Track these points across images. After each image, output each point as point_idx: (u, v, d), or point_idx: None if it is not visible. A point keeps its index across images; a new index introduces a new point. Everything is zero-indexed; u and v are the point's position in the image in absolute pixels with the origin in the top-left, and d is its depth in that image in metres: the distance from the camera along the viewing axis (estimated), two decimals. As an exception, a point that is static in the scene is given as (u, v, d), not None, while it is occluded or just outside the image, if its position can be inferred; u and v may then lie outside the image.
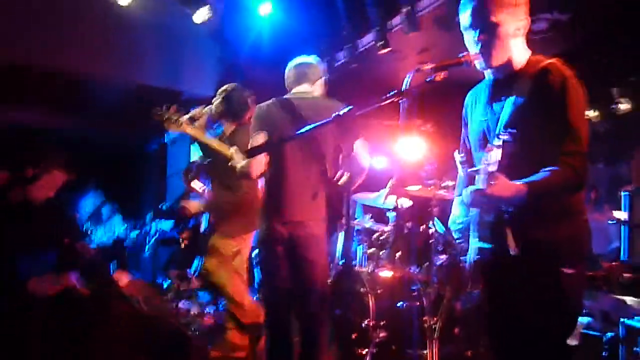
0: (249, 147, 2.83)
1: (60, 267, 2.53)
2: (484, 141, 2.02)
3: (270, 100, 2.98)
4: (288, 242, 2.84)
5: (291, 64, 3.09)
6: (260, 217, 2.96)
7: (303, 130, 2.17)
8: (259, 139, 2.83)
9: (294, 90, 3.05)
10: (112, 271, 4.19)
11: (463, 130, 2.27)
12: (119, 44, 5.68)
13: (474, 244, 2.08)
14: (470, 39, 1.97)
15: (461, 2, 1.99)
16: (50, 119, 7.46)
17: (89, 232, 7.55)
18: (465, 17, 1.97)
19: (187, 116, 3.77)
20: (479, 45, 1.93)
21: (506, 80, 1.98)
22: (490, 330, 2.18)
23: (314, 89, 3.06)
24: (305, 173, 2.85)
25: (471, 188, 1.81)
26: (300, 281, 2.88)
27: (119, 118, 7.46)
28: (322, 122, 2.08)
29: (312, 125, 2.14)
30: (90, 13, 5.37)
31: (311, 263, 2.88)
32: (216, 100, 3.96)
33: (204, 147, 3.88)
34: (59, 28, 5.34)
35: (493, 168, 1.73)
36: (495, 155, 1.74)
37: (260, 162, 2.83)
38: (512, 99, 1.92)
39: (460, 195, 2.34)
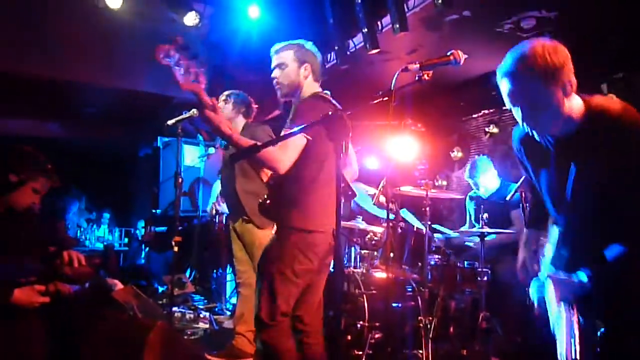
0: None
1: (46, 276, 2.48)
2: (560, 204, 1.91)
3: (316, 95, 2.64)
4: (329, 252, 2.56)
5: (310, 50, 2.73)
6: (296, 220, 2.54)
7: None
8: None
9: (317, 86, 2.73)
10: (104, 278, 4.15)
11: (525, 173, 2.12)
12: (108, 49, 5.66)
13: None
14: (518, 113, 1.80)
15: (501, 71, 1.80)
16: (39, 126, 7.45)
17: (79, 239, 7.51)
18: (506, 89, 1.79)
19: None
20: (530, 120, 1.79)
21: (571, 140, 1.82)
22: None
23: None
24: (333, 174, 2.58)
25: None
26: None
27: (110, 124, 7.45)
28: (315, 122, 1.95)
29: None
30: (79, 19, 5.34)
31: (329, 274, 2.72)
32: (226, 102, 3.98)
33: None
34: (48, 35, 5.31)
35: None
36: None
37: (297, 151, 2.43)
38: (586, 162, 1.79)
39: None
